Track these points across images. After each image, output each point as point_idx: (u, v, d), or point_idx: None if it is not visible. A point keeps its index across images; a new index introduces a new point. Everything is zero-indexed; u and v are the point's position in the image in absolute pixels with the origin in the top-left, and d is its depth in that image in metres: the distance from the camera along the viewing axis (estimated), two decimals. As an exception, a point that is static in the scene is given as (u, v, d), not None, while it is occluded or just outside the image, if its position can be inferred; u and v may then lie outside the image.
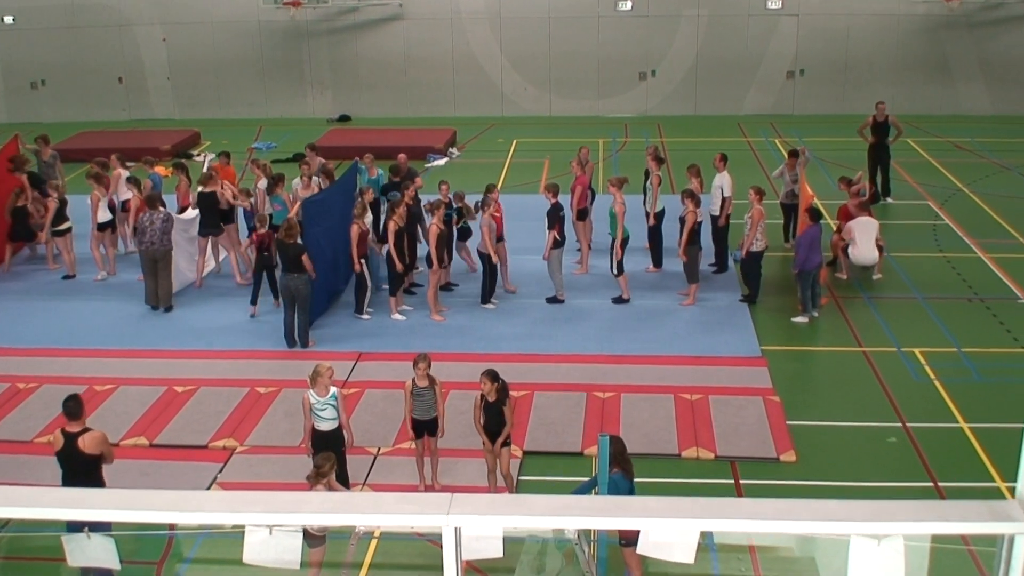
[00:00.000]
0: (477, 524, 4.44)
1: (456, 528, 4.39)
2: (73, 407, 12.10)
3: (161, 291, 20.09)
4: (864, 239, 20.48)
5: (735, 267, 20.92)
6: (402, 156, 22.66)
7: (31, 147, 24.65)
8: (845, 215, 21.19)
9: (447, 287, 20.67)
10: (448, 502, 4.41)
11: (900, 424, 15.68)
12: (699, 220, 19.75)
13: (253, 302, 19.85)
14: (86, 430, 12.05)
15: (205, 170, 21.69)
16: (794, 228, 21.89)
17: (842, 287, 20.77)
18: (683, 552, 4.61)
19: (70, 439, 11.98)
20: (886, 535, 4.27)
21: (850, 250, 20.72)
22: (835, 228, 21.76)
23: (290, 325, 18.46)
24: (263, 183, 21.58)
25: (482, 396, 13.35)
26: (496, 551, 4.63)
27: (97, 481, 12.03)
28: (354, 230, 18.95)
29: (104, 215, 21.58)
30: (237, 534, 4.77)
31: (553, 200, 19.79)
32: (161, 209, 19.95)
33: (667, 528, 4.57)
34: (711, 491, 13.94)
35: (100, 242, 21.78)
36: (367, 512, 4.66)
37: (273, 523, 4.66)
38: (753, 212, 19.48)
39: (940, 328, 18.90)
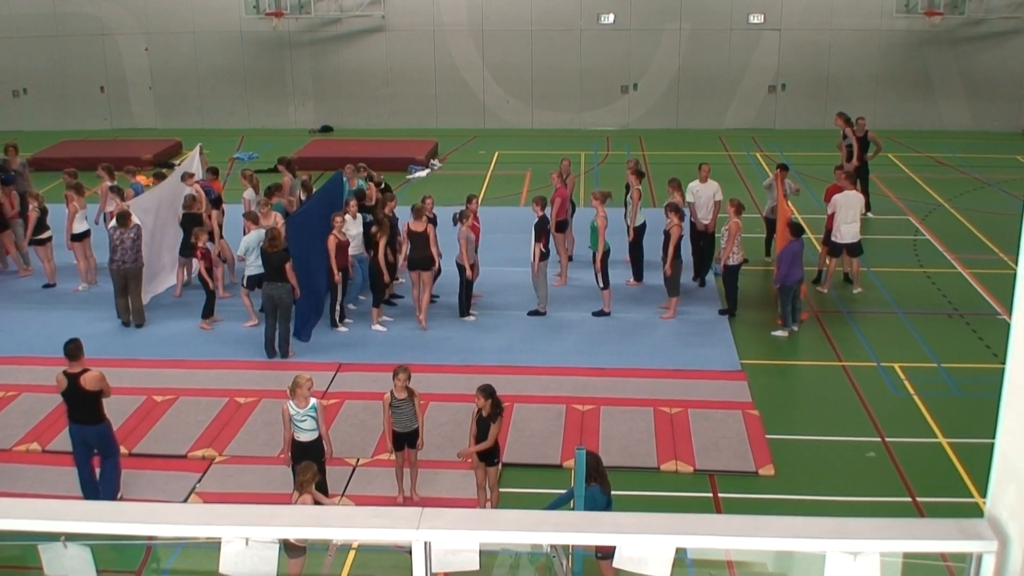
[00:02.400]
0: (447, 539, 4.43)
1: (426, 543, 4.39)
2: (73, 349, 13.79)
3: (133, 309, 19.93)
4: (848, 215, 20.54)
5: (715, 280, 20.94)
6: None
7: None
8: (832, 193, 21.25)
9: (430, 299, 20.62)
10: (418, 517, 4.41)
11: (879, 439, 15.71)
12: (681, 234, 19.78)
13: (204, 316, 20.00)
14: (85, 370, 13.68)
15: (192, 192, 21.58)
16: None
17: (822, 301, 20.82)
18: (658, 566, 4.62)
19: (72, 379, 13.61)
20: (858, 552, 4.28)
21: (833, 231, 20.74)
22: (819, 244, 21.86)
23: (271, 335, 18.43)
24: (249, 193, 21.55)
25: (478, 410, 13.30)
26: (471, 564, 4.63)
27: (98, 414, 13.81)
28: (331, 241, 18.94)
29: (80, 226, 21.50)
30: (214, 544, 4.77)
31: (540, 213, 19.76)
32: (131, 225, 19.73)
33: (639, 544, 4.58)
34: (689, 505, 13.93)
35: (80, 252, 21.67)
36: (339, 526, 4.65)
37: (246, 536, 4.65)
38: (730, 225, 19.51)
39: (920, 343, 18.96)
